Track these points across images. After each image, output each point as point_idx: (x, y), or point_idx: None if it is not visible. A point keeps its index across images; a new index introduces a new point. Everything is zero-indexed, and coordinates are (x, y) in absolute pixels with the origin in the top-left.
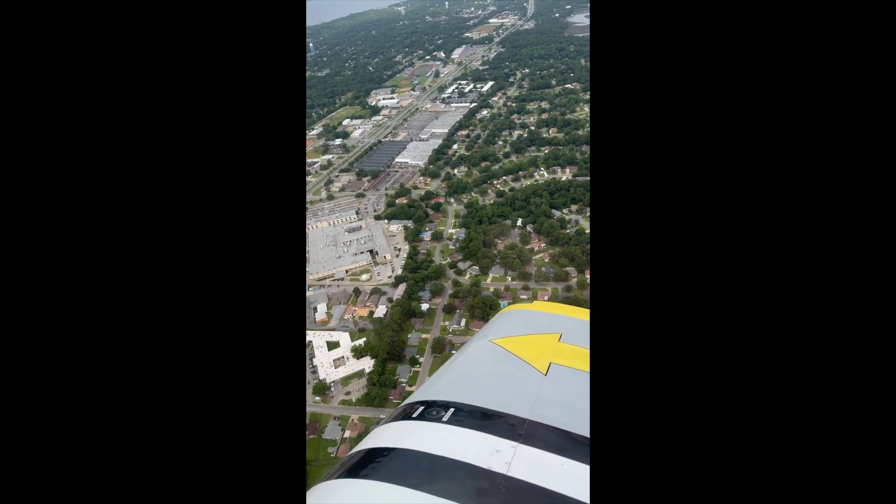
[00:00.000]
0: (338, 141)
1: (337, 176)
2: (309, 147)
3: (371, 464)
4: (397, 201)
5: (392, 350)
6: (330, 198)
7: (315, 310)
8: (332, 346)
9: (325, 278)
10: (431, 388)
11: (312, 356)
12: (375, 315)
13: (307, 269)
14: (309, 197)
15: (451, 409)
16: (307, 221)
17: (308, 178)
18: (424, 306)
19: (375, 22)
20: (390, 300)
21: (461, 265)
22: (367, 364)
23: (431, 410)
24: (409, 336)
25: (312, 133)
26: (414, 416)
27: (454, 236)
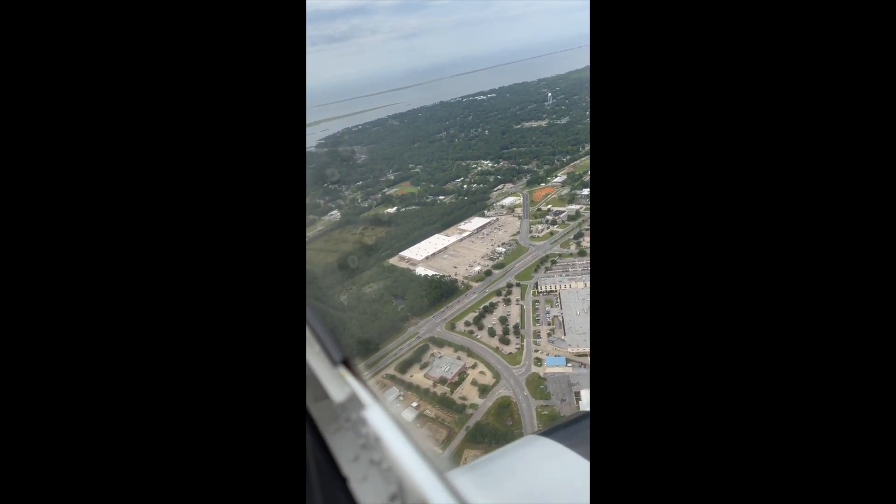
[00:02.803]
0: (585, 191)
1: (587, 230)
2: (552, 195)
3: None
4: None
5: None
6: (581, 254)
7: (577, 395)
8: None
9: (584, 354)
10: None
11: None
12: None
13: (563, 338)
14: (556, 249)
15: None
16: (553, 279)
17: (554, 228)
18: None
19: None
20: None
21: None
22: None
23: None
24: None
25: (556, 181)
26: None
27: None
